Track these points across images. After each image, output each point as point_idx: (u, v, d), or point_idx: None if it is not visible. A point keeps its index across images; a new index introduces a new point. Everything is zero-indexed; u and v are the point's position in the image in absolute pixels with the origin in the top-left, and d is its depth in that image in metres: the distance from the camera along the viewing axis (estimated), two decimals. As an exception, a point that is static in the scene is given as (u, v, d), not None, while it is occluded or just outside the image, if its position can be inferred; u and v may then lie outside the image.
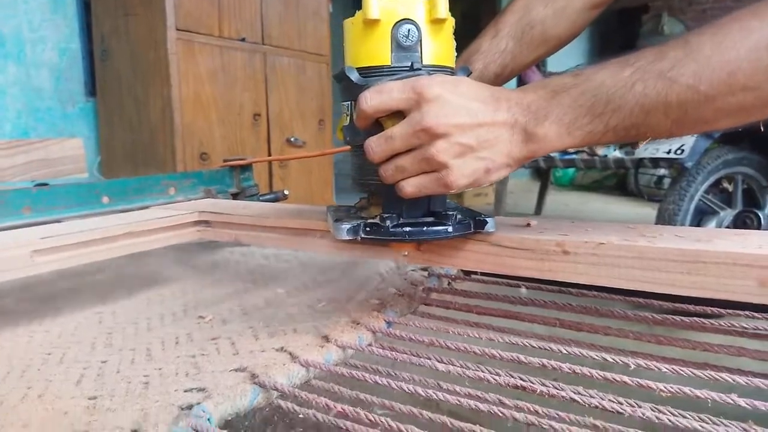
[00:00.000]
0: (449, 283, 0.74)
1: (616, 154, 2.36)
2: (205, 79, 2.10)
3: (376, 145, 0.47)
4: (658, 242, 0.45)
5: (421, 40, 0.48)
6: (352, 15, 0.50)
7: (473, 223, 0.51)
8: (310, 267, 0.82)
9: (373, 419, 0.37)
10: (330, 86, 2.69)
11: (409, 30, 0.48)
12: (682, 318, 0.54)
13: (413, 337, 0.53)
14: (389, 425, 0.36)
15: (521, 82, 2.51)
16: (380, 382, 0.43)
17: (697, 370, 0.43)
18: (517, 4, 0.72)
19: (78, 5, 2.28)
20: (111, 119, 2.22)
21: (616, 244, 0.46)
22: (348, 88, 0.50)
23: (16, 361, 0.50)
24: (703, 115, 0.43)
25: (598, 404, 0.38)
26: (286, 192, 1.17)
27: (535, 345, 0.50)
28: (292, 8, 2.45)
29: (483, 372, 0.44)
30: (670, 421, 0.35)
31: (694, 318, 0.54)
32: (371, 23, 0.48)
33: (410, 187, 0.47)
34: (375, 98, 0.46)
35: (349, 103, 0.51)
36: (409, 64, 0.48)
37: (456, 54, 0.53)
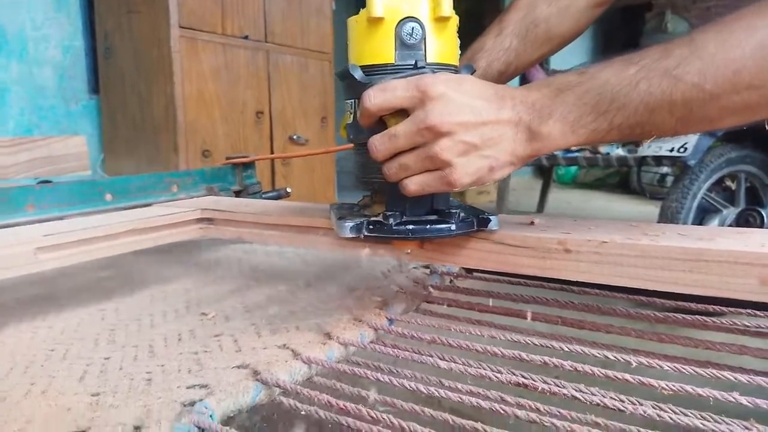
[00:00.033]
0: (451, 281, 0.74)
1: (618, 152, 2.35)
2: (208, 76, 2.11)
3: (379, 143, 0.47)
4: (661, 241, 0.45)
5: (425, 38, 0.48)
6: (355, 13, 0.49)
7: (476, 221, 0.51)
8: (312, 264, 0.82)
9: (374, 416, 0.37)
10: (333, 84, 2.69)
11: (413, 28, 0.48)
12: (684, 316, 0.54)
13: (415, 335, 0.53)
14: (391, 422, 0.36)
15: (524, 81, 2.50)
16: (382, 379, 0.43)
17: (699, 369, 0.43)
18: (521, 2, 0.72)
19: (81, 3, 2.28)
20: (114, 117, 2.22)
21: (619, 243, 0.46)
22: (351, 86, 0.50)
23: (20, 357, 0.50)
24: (708, 113, 0.43)
25: (599, 402, 0.38)
26: (288, 190, 1.18)
27: (536, 343, 0.50)
28: (295, 6, 2.45)
29: (485, 369, 0.44)
30: (671, 419, 0.35)
31: (696, 316, 0.54)
32: (375, 21, 0.48)
33: (414, 185, 0.47)
34: (379, 96, 0.46)
35: (352, 101, 0.50)
36: (413, 62, 0.48)
37: (460, 52, 0.53)
